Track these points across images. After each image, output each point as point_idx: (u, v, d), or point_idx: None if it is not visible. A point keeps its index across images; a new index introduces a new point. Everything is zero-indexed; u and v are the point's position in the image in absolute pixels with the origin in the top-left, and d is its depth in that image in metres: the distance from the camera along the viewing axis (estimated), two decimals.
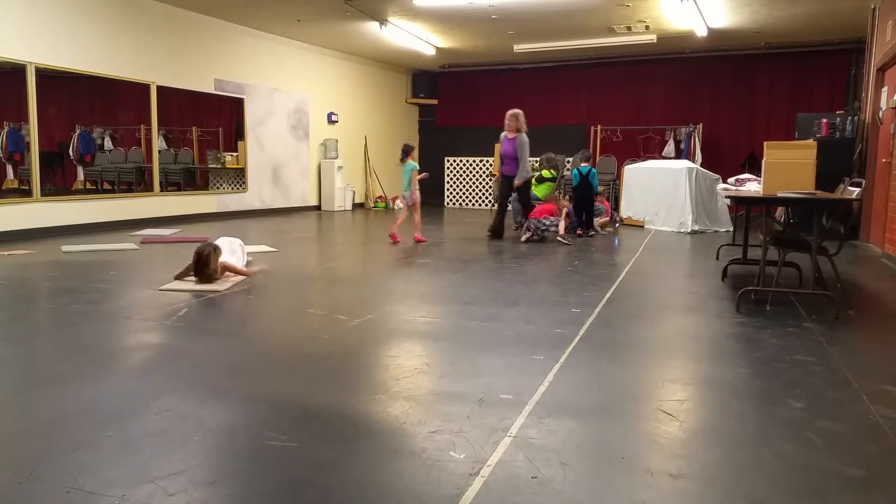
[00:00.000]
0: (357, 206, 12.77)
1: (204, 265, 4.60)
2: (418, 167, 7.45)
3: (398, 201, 13.06)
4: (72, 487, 1.77)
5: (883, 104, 7.38)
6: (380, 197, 13.15)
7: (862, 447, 2.11)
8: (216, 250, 4.71)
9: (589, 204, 8.43)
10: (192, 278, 4.67)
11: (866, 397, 2.55)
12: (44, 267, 5.45)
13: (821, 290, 4.22)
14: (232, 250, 5.03)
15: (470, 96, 13.97)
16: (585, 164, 8.57)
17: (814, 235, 3.97)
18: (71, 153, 7.96)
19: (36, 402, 2.43)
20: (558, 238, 7.68)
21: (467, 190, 13.90)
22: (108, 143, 8.44)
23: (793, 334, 3.49)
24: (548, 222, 7.67)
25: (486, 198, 13.69)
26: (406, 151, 7.44)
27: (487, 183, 13.55)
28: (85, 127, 8.16)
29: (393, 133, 13.87)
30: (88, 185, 8.22)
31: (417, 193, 7.35)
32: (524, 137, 7.73)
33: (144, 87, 8.52)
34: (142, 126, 8.69)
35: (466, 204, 13.91)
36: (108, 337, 3.36)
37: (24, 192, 7.24)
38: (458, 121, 14.17)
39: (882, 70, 7.61)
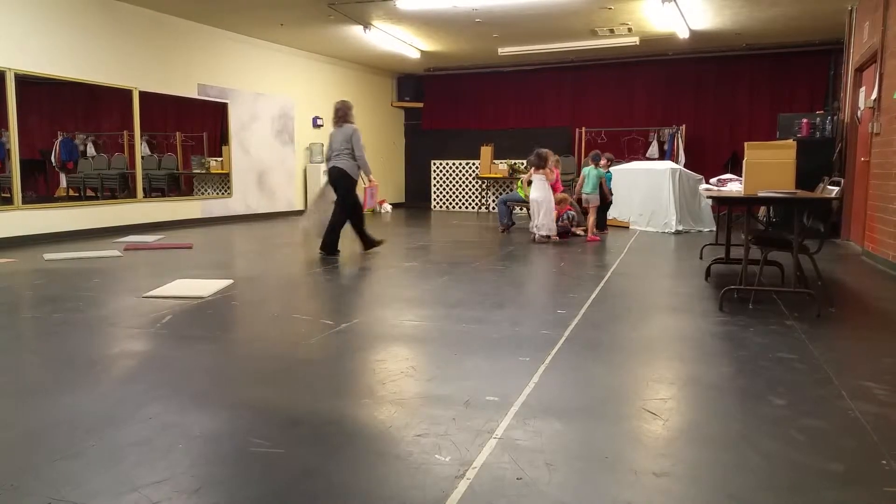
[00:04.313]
0: None
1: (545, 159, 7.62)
2: (604, 173, 8.44)
3: (385, 205, 13.13)
4: (54, 498, 1.76)
5: (861, 104, 7.48)
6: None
7: (842, 443, 2.14)
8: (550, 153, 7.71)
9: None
10: None
11: (846, 393, 2.58)
12: (26, 275, 5.39)
13: (802, 288, 4.27)
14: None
15: (455, 99, 13.98)
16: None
17: (795, 234, 4.01)
18: (53, 160, 7.88)
19: (18, 413, 2.40)
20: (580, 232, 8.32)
21: (454, 193, 13.92)
22: (90, 150, 8.36)
23: (775, 332, 3.53)
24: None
25: (473, 200, 13.72)
26: (595, 158, 8.43)
27: (474, 186, 13.59)
28: (67, 133, 8.08)
29: (378, 137, 13.85)
30: (71, 192, 8.14)
31: (596, 196, 8.24)
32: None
33: (127, 93, 8.46)
34: (125, 132, 8.62)
35: (453, 207, 13.94)
36: (91, 345, 3.33)
37: (4, 200, 7.15)
38: (444, 124, 14.18)
39: (860, 70, 7.72)
